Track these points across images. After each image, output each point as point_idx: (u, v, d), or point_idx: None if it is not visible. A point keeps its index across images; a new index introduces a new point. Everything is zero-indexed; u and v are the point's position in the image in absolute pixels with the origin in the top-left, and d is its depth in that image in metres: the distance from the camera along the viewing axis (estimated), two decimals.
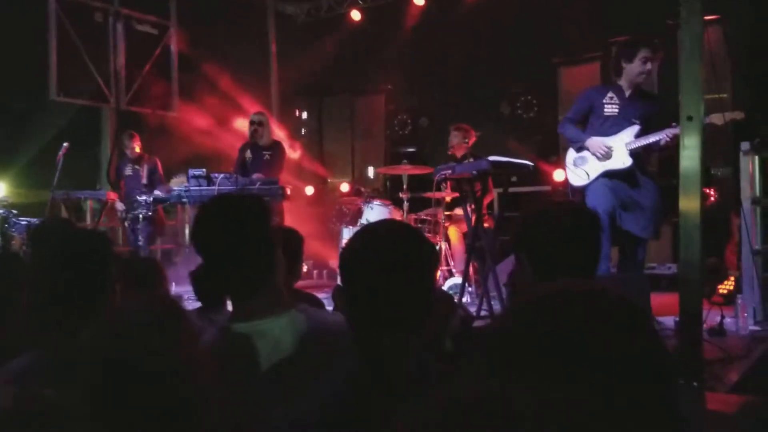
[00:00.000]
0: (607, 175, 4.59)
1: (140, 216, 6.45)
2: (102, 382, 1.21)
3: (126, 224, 7.05)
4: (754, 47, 6.84)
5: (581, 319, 0.84)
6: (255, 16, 9.81)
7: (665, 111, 4.65)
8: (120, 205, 7.17)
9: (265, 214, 1.83)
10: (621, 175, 4.56)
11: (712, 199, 6.55)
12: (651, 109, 4.66)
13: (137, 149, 7.36)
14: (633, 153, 4.52)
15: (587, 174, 4.68)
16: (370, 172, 10.15)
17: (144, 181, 7.16)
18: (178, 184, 6.59)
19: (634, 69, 4.59)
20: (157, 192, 6.79)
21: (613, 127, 4.63)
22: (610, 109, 4.67)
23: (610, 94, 4.71)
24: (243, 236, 1.77)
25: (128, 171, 7.37)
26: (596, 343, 0.81)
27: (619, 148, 4.56)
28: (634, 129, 4.55)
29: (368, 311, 1.47)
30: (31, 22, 7.51)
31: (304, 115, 10.70)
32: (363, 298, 1.49)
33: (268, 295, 1.79)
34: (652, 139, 4.43)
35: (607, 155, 4.58)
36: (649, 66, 4.57)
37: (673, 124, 4.30)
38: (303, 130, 10.67)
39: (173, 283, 6.61)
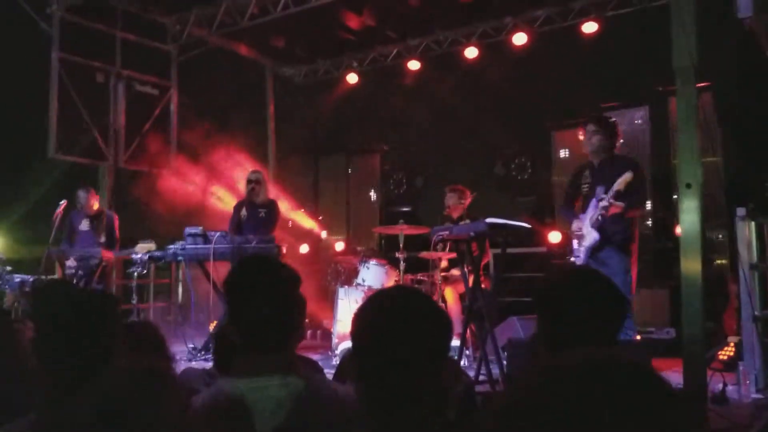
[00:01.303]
0: (591, 251, 4.77)
1: (135, 273, 6.40)
2: None
3: (75, 281, 6.59)
4: (743, 112, 7.00)
5: (601, 394, 0.83)
6: (254, 78, 10.00)
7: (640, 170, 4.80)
8: (71, 261, 6.76)
9: (299, 283, 1.93)
10: (598, 247, 4.74)
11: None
12: (619, 174, 4.67)
13: (95, 206, 7.10)
14: (595, 226, 4.70)
15: (580, 255, 4.88)
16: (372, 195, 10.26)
17: (102, 239, 6.86)
18: (143, 249, 6.50)
19: (584, 144, 5.01)
20: (131, 254, 6.52)
21: (588, 203, 4.85)
22: (586, 187, 4.95)
23: (585, 173, 5.00)
24: (279, 291, 1.86)
25: (83, 226, 7.04)
26: (618, 418, 0.80)
27: (586, 226, 4.78)
28: (595, 201, 4.73)
29: (384, 385, 1.45)
30: (33, 79, 7.63)
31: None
32: (380, 370, 1.46)
33: (281, 354, 1.84)
34: (599, 212, 4.63)
35: (582, 237, 4.82)
36: (591, 138, 4.91)
37: (602, 197, 4.55)
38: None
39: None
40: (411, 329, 1.46)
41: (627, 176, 4.48)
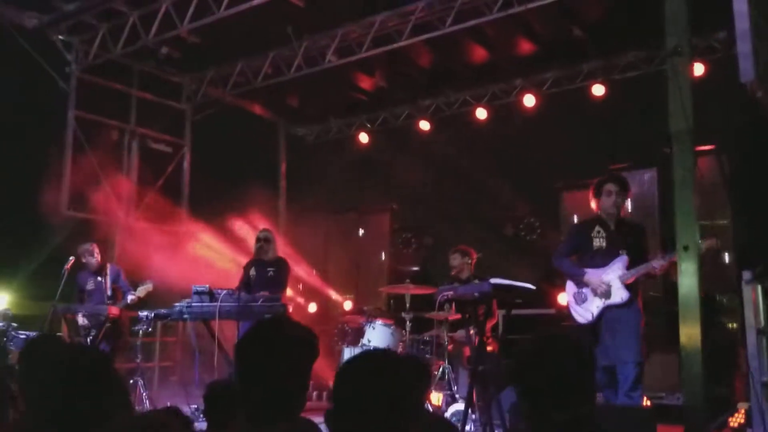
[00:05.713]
0: (608, 308, 4.71)
1: (140, 331, 6.36)
2: None
3: (88, 340, 6.43)
4: (750, 175, 6.98)
5: None
6: (267, 137, 10.16)
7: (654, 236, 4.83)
8: (82, 320, 6.58)
9: (314, 353, 1.88)
10: (617, 305, 4.70)
11: None
12: (636, 238, 4.87)
13: (98, 259, 6.82)
14: (627, 286, 4.67)
15: (591, 313, 4.79)
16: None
17: (108, 292, 6.65)
18: (144, 291, 6.51)
19: (603, 203, 4.92)
20: (131, 296, 6.53)
21: (603, 258, 4.80)
22: (599, 242, 4.88)
23: (597, 228, 4.93)
24: (295, 363, 1.83)
25: (90, 285, 6.83)
26: None
27: (615, 282, 4.71)
28: (624, 260, 4.73)
29: None
30: (47, 134, 7.77)
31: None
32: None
33: (289, 423, 1.82)
34: (642, 270, 4.65)
35: (606, 293, 4.72)
36: (613, 198, 4.87)
37: (660, 254, 4.60)
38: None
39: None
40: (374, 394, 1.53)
41: (664, 264, 4.56)
